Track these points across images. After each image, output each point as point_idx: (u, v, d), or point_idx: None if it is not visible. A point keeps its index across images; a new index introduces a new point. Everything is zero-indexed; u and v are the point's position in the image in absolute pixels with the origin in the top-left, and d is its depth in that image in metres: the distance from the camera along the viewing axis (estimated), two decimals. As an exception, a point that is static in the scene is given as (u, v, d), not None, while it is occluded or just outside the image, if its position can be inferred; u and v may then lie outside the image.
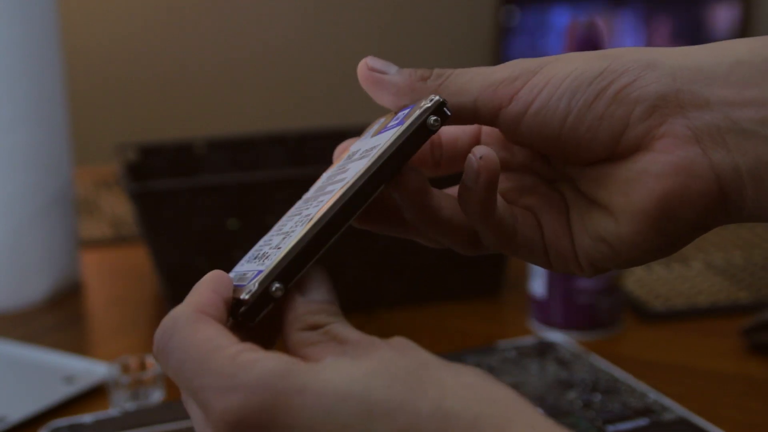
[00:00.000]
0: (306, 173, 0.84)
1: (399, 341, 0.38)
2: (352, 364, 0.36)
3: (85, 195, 1.22)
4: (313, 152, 1.00)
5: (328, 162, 1.00)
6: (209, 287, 0.43)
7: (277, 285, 0.39)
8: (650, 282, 0.91)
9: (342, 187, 0.40)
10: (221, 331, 0.39)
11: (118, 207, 1.17)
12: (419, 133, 0.40)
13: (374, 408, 0.35)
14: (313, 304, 0.40)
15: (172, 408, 0.66)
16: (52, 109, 0.90)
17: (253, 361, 0.36)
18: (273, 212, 0.82)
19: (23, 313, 0.89)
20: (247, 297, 0.40)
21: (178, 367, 0.38)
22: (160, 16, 2.01)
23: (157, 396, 0.69)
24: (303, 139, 1.01)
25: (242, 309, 0.40)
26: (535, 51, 2.25)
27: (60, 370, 0.74)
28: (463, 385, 0.36)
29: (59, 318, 0.88)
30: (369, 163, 0.40)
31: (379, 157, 0.40)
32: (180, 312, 0.41)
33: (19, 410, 0.68)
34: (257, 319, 0.40)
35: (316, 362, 0.37)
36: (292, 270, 0.39)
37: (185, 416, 0.65)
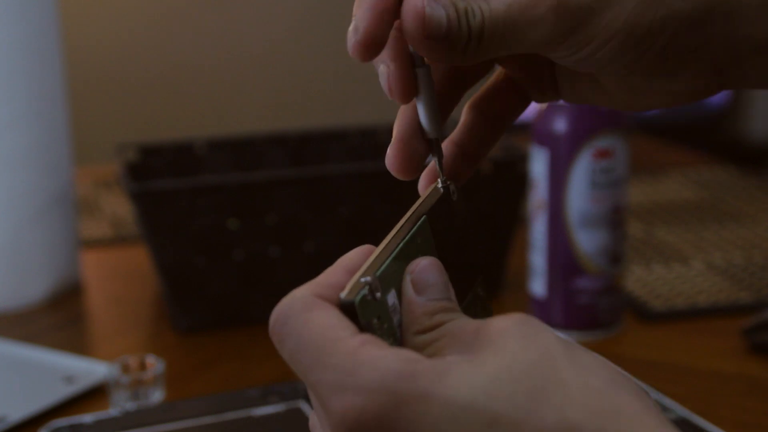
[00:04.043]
0: (306, 173, 0.84)
1: (519, 324, 0.36)
2: (475, 368, 0.35)
3: (85, 195, 1.22)
4: (313, 152, 1.00)
5: (328, 162, 1.00)
6: (345, 267, 0.39)
7: (366, 279, 0.38)
8: (650, 282, 0.91)
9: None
10: (339, 318, 0.37)
11: (118, 207, 1.17)
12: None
13: (497, 420, 0.34)
14: (430, 304, 0.39)
15: (172, 408, 0.66)
16: (52, 108, 0.90)
17: (375, 358, 0.35)
18: (273, 212, 0.82)
19: (23, 313, 0.88)
20: (342, 296, 0.38)
21: (294, 357, 0.37)
22: (161, 16, 2.01)
23: (157, 396, 0.69)
24: (303, 139, 1.01)
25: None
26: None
27: (60, 370, 0.74)
28: (587, 391, 0.34)
29: (59, 318, 0.88)
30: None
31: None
32: (298, 295, 0.38)
33: (19, 410, 0.68)
34: (360, 321, 0.37)
35: (439, 360, 0.36)
36: (375, 264, 0.38)
37: (185, 416, 0.65)
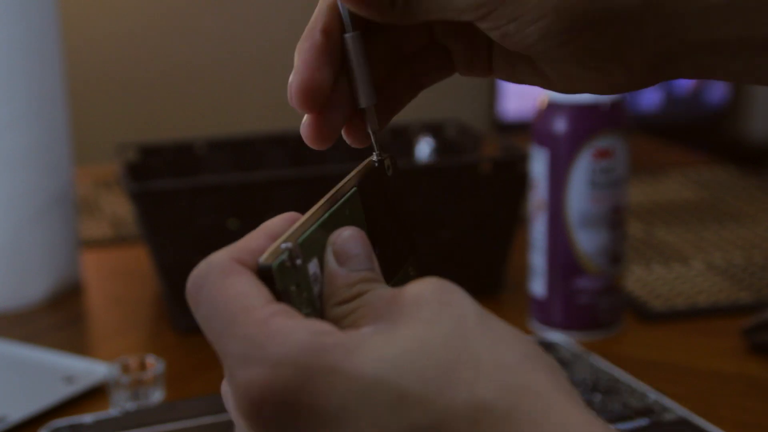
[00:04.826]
0: (306, 173, 0.84)
1: (433, 291, 0.35)
2: (385, 341, 0.34)
3: (85, 195, 1.22)
4: (313, 152, 1.00)
5: (328, 162, 1.00)
6: (267, 233, 0.39)
7: (286, 245, 0.37)
8: (650, 282, 0.91)
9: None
10: (254, 285, 0.36)
11: (118, 207, 1.17)
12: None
13: (406, 396, 0.33)
14: (351, 275, 0.38)
15: (172, 408, 0.66)
16: (52, 108, 0.90)
17: (284, 331, 0.34)
18: (273, 212, 0.82)
19: (23, 313, 0.88)
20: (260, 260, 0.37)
21: (206, 324, 0.36)
22: (161, 16, 2.01)
23: (157, 396, 0.69)
24: (303, 139, 1.00)
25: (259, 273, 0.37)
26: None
27: (60, 370, 0.74)
28: (500, 367, 0.34)
29: (59, 318, 0.88)
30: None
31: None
32: (216, 259, 0.37)
33: (19, 410, 0.68)
34: (277, 288, 0.36)
35: (350, 333, 0.35)
36: (298, 231, 0.38)
37: (185, 416, 0.65)
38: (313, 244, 0.38)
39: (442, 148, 1.02)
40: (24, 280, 0.89)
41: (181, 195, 0.80)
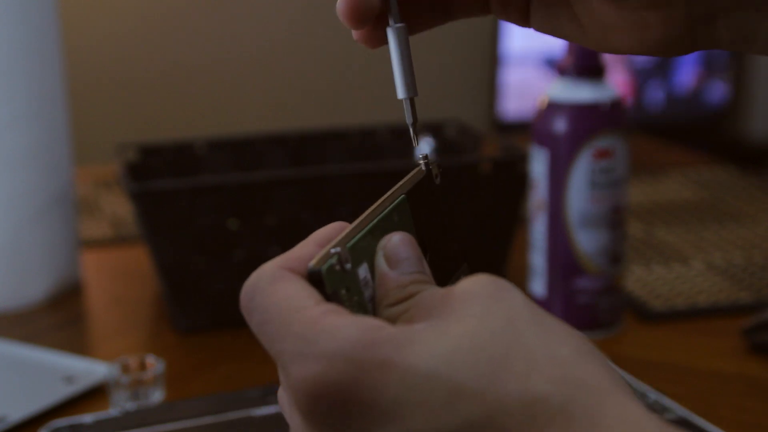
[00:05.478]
0: (306, 173, 0.84)
1: (485, 286, 0.36)
2: (437, 336, 0.34)
3: (85, 195, 1.22)
4: (313, 152, 1.00)
5: (327, 162, 1.00)
6: (317, 241, 0.39)
7: (335, 249, 0.37)
8: (650, 282, 0.91)
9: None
10: (304, 288, 0.36)
11: (118, 207, 1.17)
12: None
13: (460, 390, 0.33)
14: (402, 277, 0.38)
15: (172, 408, 0.66)
16: (52, 108, 0.90)
17: (337, 327, 0.34)
18: (273, 212, 0.82)
19: (23, 313, 0.88)
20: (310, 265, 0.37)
21: (260, 330, 0.36)
22: (161, 15, 2.01)
23: (157, 396, 0.69)
24: (303, 139, 1.01)
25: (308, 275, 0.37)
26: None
27: (60, 370, 0.74)
28: (553, 361, 0.34)
29: (59, 318, 0.88)
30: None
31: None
32: (265, 269, 0.38)
33: (19, 410, 0.68)
34: (327, 291, 0.37)
35: (402, 328, 0.35)
36: (347, 237, 0.38)
37: (185, 416, 0.65)
38: (362, 250, 0.39)
39: (442, 148, 1.02)
40: (24, 280, 0.89)
41: (181, 195, 0.80)
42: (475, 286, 0.36)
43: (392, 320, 0.37)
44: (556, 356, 0.34)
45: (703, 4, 0.41)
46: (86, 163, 1.35)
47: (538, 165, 0.79)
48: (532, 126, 0.80)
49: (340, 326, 0.34)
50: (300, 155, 1.00)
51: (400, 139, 1.03)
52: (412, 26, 0.45)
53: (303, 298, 0.36)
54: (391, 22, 0.43)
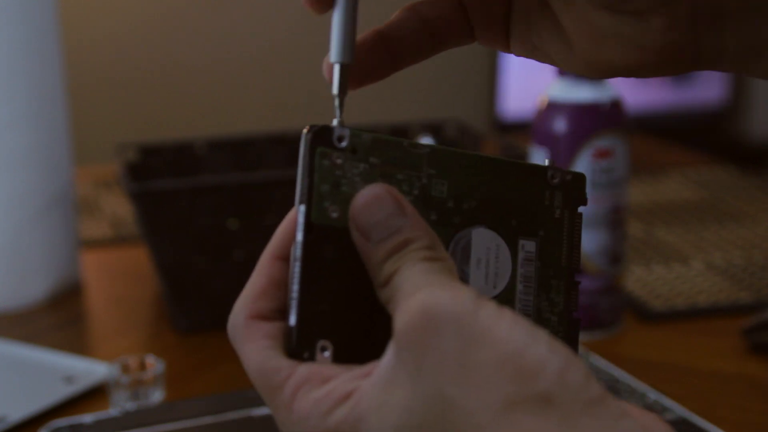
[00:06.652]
0: (306, 173, 0.84)
1: (418, 327, 0.33)
2: (382, 414, 0.34)
3: (85, 195, 1.22)
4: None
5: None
6: (264, 272, 0.39)
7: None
8: (650, 282, 0.91)
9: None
10: (271, 357, 0.37)
11: (118, 207, 1.17)
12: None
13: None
14: (377, 250, 0.36)
15: (172, 408, 0.66)
16: (52, 109, 0.90)
17: (305, 417, 0.35)
18: (273, 212, 0.82)
19: (23, 313, 0.88)
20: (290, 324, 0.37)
21: (251, 378, 0.38)
22: (161, 15, 2.01)
23: (157, 396, 0.69)
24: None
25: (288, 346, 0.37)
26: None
27: (60, 370, 0.74)
28: (475, 428, 0.32)
29: (59, 318, 0.88)
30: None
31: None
32: (234, 323, 0.38)
33: (19, 410, 0.68)
34: (303, 351, 0.37)
35: (353, 405, 0.35)
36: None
37: (185, 416, 0.65)
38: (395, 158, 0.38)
39: (442, 148, 1.02)
40: (24, 280, 0.89)
41: (181, 195, 0.80)
42: (408, 329, 0.34)
43: (385, 304, 0.36)
44: (478, 423, 0.32)
45: (711, 3, 0.38)
46: (86, 163, 1.35)
47: (538, 165, 0.79)
48: (532, 126, 0.80)
49: (308, 416, 0.35)
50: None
51: (400, 139, 1.03)
52: (399, 61, 0.42)
53: (273, 372, 0.36)
54: None
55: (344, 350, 0.37)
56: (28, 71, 0.88)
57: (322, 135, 0.37)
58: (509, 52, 0.43)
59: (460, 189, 0.39)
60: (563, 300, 0.41)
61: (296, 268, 0.37)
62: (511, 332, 0.32)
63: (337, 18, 0.39)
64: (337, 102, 0.39)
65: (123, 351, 0.78)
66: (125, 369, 0.69)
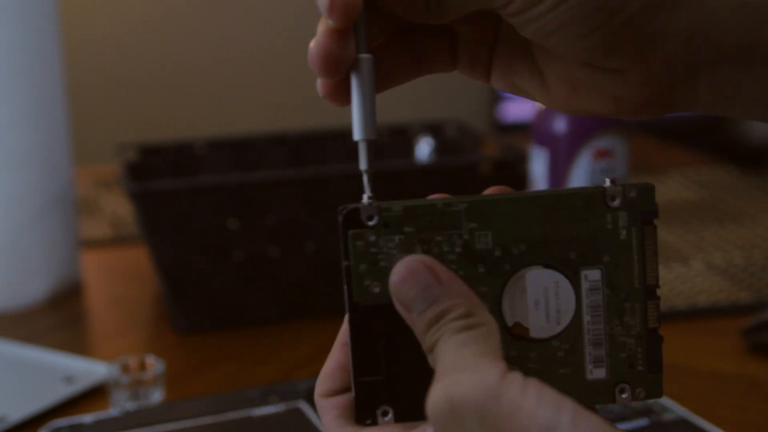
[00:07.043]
0: (306, 173, 0.84)
1: (442, 416, 0.35)
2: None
3: (85, 195, 1.22)
4: (313, 152, 1.00)
5: (327, 162, 1.00)
6: (333, 357, 0.41)
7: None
8: (650, 282, 0.91)
9: None
10: (343, 422, 0.40)
11: (118, 207, 1.17)
12: None
13: None
14: (420, 320, 0.37)
15: (172, 408, 0.66)
16: (52, 109, 0.90)
17: None
18: (273, 212, 0.82)
19: (23, 313, 0.88)
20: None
21: None
22: (161, 15, 2.01)
23: (157, 396, 0.69)
24: (303, 139, 1.01)
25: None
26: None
27: (60, 370, 0.74)
28: None
29: (59, 318, 0.88)
30: None
31: None
32: (314, 400, 0.42)
33: (19, 410, 0.68)
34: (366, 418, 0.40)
35: None
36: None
37: (185, 416, 0.65)
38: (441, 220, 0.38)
39: (442, 148, 1.02)
40: (24, 280, 0.89)
41: (181, 195, 0.80)
42: (434, 414, 0.35)
43: (434, 368, 0.37)
44: None
45: (684, 58, 0.39)
46: (86, 163, 1.35)
47: (538, 165, 0.79)
48: (532, 126, 0.80)
49: None
50: (300, 155, 1.00)
51: (400, 139, 1.03)
52: (382, 85, 0.42)
53: None
54: (356, 51, 0.38)
55: (407, 407, 0.39)
56: (28, 71, 0.88)
57: (351, 217, 0.38)
58: (489, 84, 0.44)
59: (505, 235, 0.39)
60: (639, 321, 0.41)
61: (349, 349, 0.39)
62: (535, 413, 0.33)
63: (356, 97, 0.39)
64: (365, 178, 0.39)
65: (123, 351, 0.78)
66: (125, 369, 0.69)
